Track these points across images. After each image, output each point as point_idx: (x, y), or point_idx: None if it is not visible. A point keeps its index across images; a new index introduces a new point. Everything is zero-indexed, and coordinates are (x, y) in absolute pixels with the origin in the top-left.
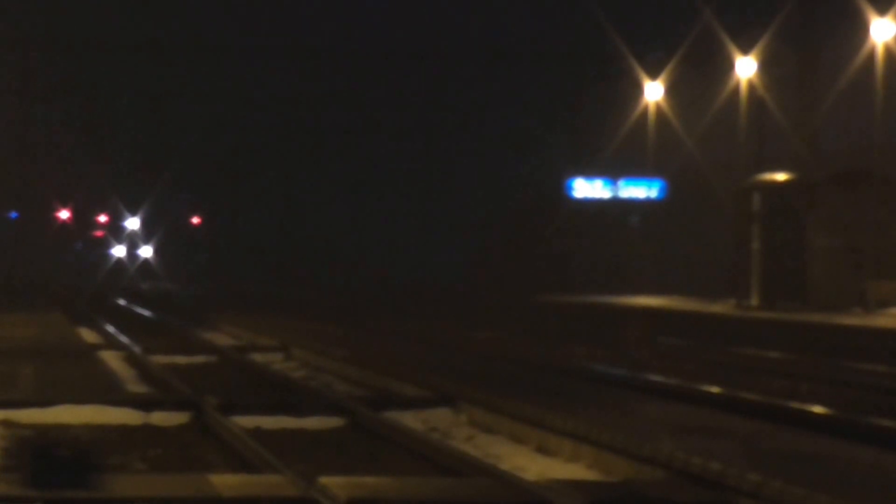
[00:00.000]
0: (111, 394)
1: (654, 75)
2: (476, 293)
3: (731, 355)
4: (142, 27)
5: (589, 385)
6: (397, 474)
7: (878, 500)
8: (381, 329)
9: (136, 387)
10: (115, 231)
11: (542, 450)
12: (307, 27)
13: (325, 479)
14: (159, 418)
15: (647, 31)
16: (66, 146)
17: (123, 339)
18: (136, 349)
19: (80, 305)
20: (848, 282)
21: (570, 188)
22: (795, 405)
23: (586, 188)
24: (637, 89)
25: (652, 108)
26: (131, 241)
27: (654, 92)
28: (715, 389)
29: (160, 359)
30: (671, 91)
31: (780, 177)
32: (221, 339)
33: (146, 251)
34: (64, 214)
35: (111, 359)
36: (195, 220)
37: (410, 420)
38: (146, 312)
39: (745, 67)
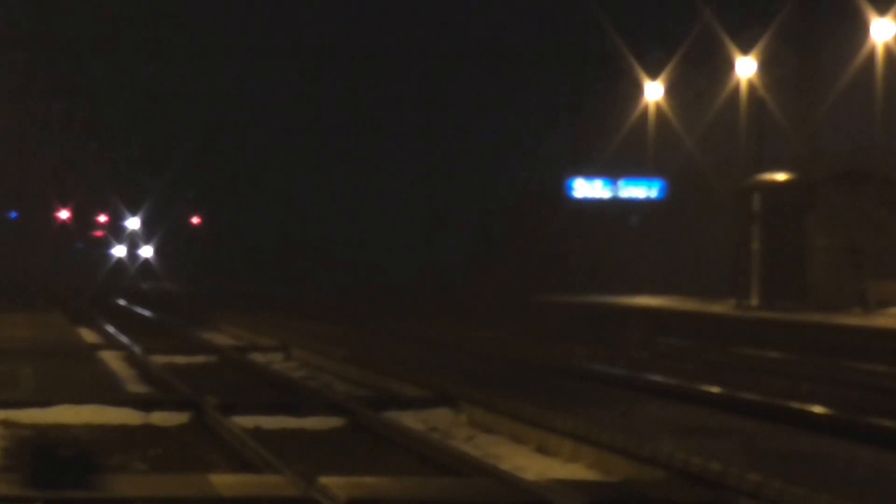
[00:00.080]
0: (111, 394)
1: (654, 75)
2: (476, 293)
3: (731, 355)
4: (142, 27)
5: (589, 385)
6: (397, 474)
7: (878, 500)
8: (381, 329)
9: (136, 387)
10: (116, 231)
11: (542, 450)
12: (307, 27)
13: (325, 479)
14: (159, 418)
15: (647, 31)
16: (66, 146)
17: (123, 339)
18: (136, 349)
19: (80, 305)
20: (848, 282)
21: (570, 188)
22: (795, 405)
23: (586, 188)
24: (637, 89)
25: (652, 108)
26: (132, 241)
27: (654, 92)
28: (715, 389)
29: (160, 359)
30: (671, 91)
31: (780, 177)
32: (221, 339)
33: (147, 251)
34: (64, 214)
35: (111, 359)
36: (195, 219)
37: (410, 420)
38: (146, 312)
39: (745, 67)
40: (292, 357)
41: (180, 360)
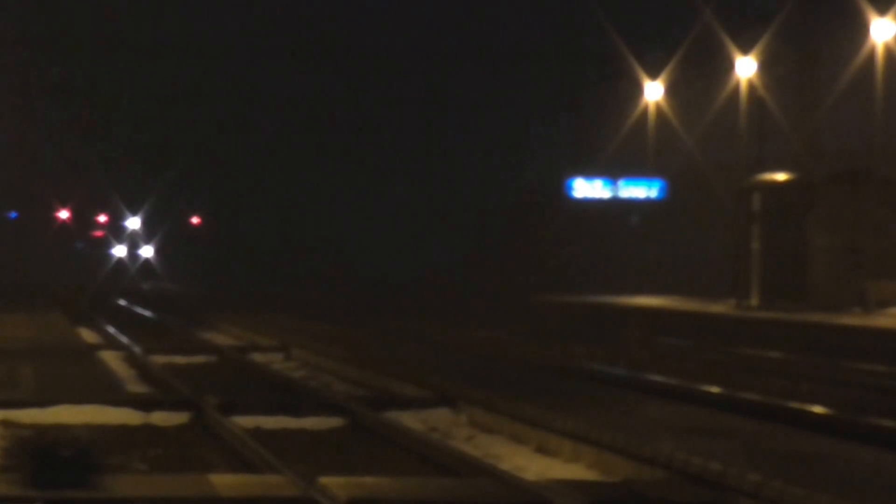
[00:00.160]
0: (111, 394)
1: (654, 75)
2: (476, 293)
3: (731, 355)
4: (142, 27)
5: (589, 385)
6: (397, 474)
7: (878, 500)
8: (381, 329)
9: (136, 387)
10: (116, 231)
11: (542, 450)
12: (307, 27)
13: (325, 479)
14: (159, 418)
15: (647, 31)
16: (66, 146)
17: (123, 339)
18: (136, 349)
19: (81, 305)
20: (848, 282)
21: (570, 188)
22: (795, 405)
23: (586, 188)
24: (637, 89)
25: (652, 108)
26: (132, 241)
27: (654, 92)
28: (715, 389)
29: (160, 359)
30: (671, 91)
31: (780, 177)
32: (221, 338)
33: (147, 251)
34: (64, 214)
35: (111, 359)
36: (195, 219)
37: (410, 420)
38: (146, 312)
39: (745, 67)
40: (292, 357)
41: (180, 360)
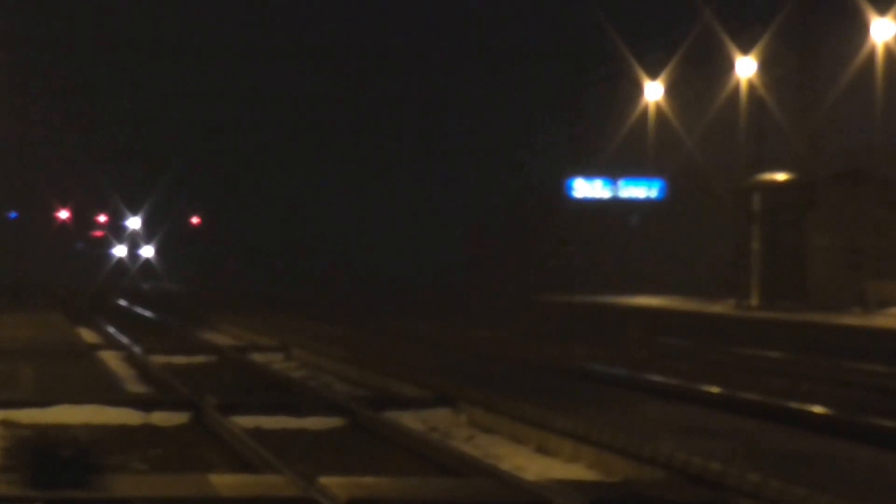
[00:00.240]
0: (111, 394)
1: (654, 75)
2: (476, 293)
3: (731, 355)
4: (142, 27)
5: (589, 385)
6: (397, 474)
7: (878, 500)
8: (381, 329)
9: (135, 387)
10: (116, 231)
11: (542, 450)
12: (307, 27)
13: (325, 479)
14: (159, 418)
15: (647, 31)
16: (66, 146)
17: (123, 339)
18: (136, 349)
19: (81, 305)
20: (848, 282)
21: (570, 188)
22: (795, 405)
23: (586, 188)
24: (637, 89)
25: (652, 108)
26: (132, 241)
27: (654, 92)
28: (715, 389)
29: (160, 359)
30: (671, 91)
31: (780, 177)
32: (221, 338)
33: (147, 251)
34: (64, 214)
35: (111, 359)
36: (195, 219)
37: (410, 420)
38: (146, 312)
39: (745, 67)
40: (292, 357)
41: (180, 360)
